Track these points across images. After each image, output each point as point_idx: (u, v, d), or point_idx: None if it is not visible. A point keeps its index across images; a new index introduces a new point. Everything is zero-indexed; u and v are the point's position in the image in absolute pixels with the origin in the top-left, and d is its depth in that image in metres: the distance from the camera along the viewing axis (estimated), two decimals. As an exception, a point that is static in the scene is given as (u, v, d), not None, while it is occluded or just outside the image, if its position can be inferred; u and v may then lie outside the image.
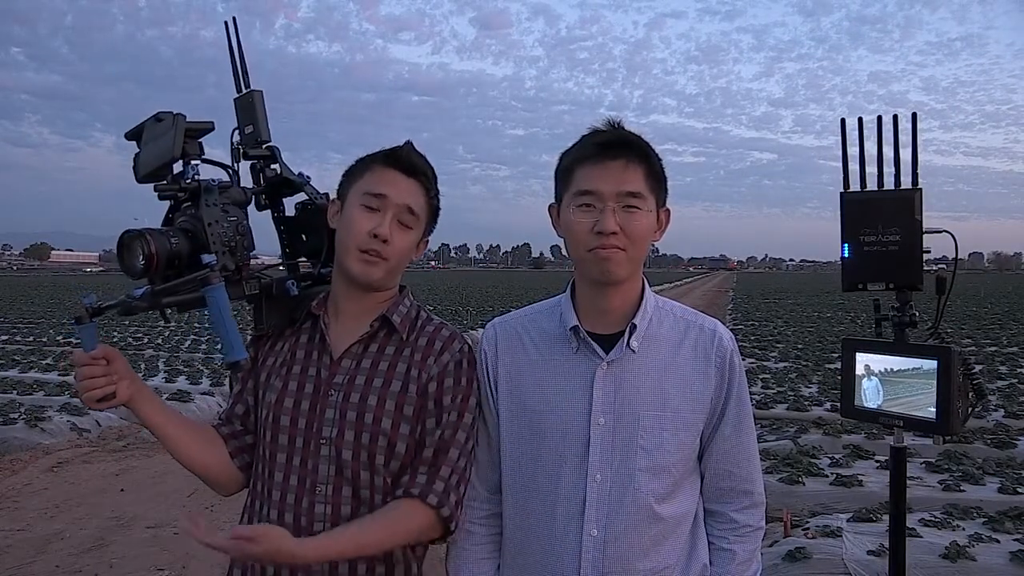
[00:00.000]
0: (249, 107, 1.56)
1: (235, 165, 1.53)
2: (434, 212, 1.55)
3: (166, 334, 14.92)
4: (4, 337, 15.43)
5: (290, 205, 1.66)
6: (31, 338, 15.09)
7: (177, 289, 1.36)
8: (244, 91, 1.59)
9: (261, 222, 1.55)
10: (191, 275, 1.36)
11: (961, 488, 5.41)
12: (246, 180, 1.56)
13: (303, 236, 1.63)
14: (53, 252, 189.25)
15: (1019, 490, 5.38)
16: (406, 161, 1.49)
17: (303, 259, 1.65)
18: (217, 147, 1.52)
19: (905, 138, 2.07)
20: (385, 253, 1.45)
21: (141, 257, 1.30)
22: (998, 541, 4.20)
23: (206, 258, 1.36)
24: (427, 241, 1.57)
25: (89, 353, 1.35)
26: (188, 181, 1.40)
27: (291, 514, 1.45)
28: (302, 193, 1.62)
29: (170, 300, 1.36)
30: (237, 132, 1.57)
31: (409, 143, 1.54)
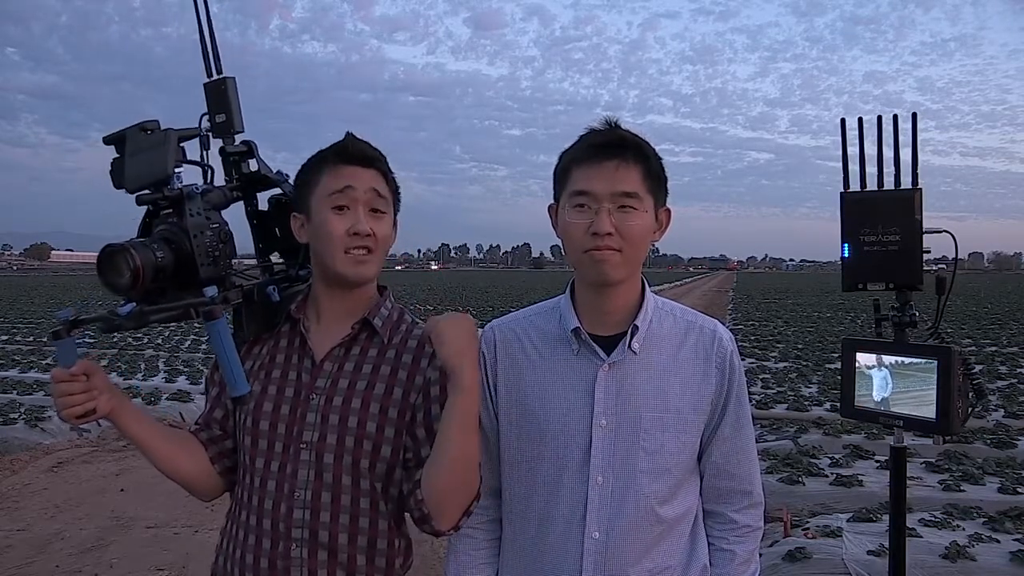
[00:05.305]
0: (221, 95, 1.51)
1: (205, 154, 1.49)
2: (396, 192, 1.52)
3: (166, 334, 14.92)
4: (4, 337, 15.44)
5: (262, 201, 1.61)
6: (31, 338, 15.08)
7: (167, 309, 1.34)
8: (216, 76, 1.52)
9: (231, 217, 1.51)
10: (187, 302, 1.34)
11: (961, 488, 5.41)
12: (217, 168, 1.52)
13: (276, 231, 1.60)
14: (53, 252, 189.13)
15: (1019, 490, 5.38)
16: (357, 154, 1.45)
17: (277, 258, 1.62)
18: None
19: (905, 138, 2.07)
20: (371, 246, 1.44)
21: (127, 273, 1.27)
22: (998, 541, 4.21)
23: (208, 291, 1.33)
24: (397, 223, 1.53)
25: (68, 370, 1.31)
26: (171, 189, 1.36)
27: (269, 520, 1.43)
28: (276, 187, 1.58)
29: (157, 318, 1.34)
30: (207, 119, 1.51)
31: (350, 134, 1.49)
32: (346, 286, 1.47)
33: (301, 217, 1.48)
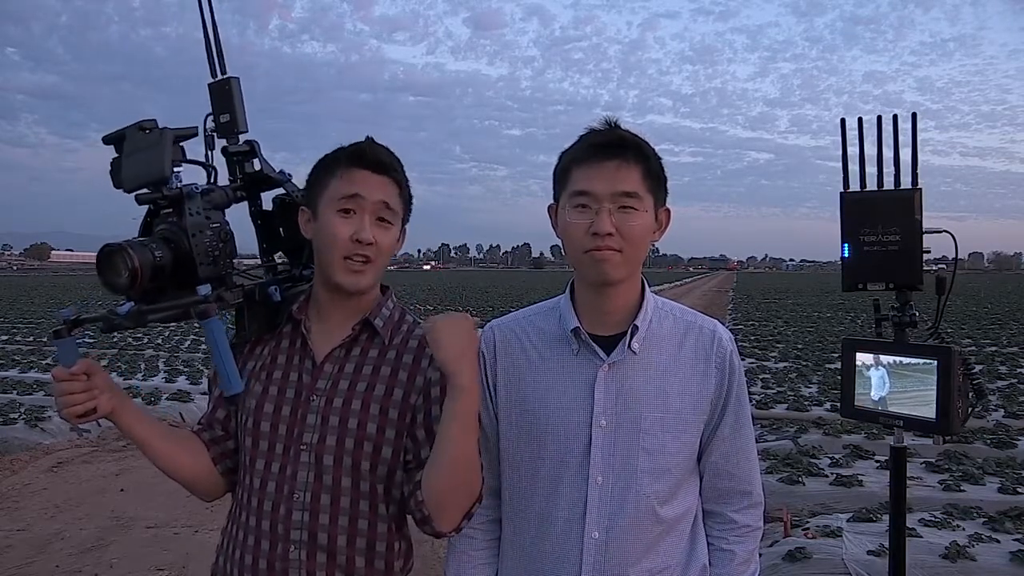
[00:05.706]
0: (225, 95, 1.51)
1: (210, 154, 1.49)
2: (408, 202, 1.51)
3: (166, 334, 14.92)
4: (4, 337, 15.44)
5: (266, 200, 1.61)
6: (31, 338, 15.09)
7: (165, 309, 1.34)
8: (220, 77, 1.52)
9: (235, 217, 1.51)
10: (184, 301, 1.34)
11: (961, 488, 5.41)
12: (221, 168, 1.52)
13: (280, 231, 1.59)
14: (53, 252, 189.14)
15: (1019, 490, 5.38)
16: (372, 159, 1.43)
17: (281, 258, 1.61)
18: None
19: (904, 138, 2.07)
20: (371, 256, 1.42)
21: (125, 273, 1.26)
22: (998, 541, 4.21)
23: (202, 290, 1.32)
24: (405, 231, 1.52)
25: (69, 369, 1.31)
26: (171, 188, 1.35)
27: (268, 521, 1.42)
28: (279, 187, 1.58)
29: (155, 317, 1.34)
30: (211, 119, 1.51)
31: (370, 139, 1.47)
32: (342, 293, 1.47)
33: (308, 212, 1.48)
